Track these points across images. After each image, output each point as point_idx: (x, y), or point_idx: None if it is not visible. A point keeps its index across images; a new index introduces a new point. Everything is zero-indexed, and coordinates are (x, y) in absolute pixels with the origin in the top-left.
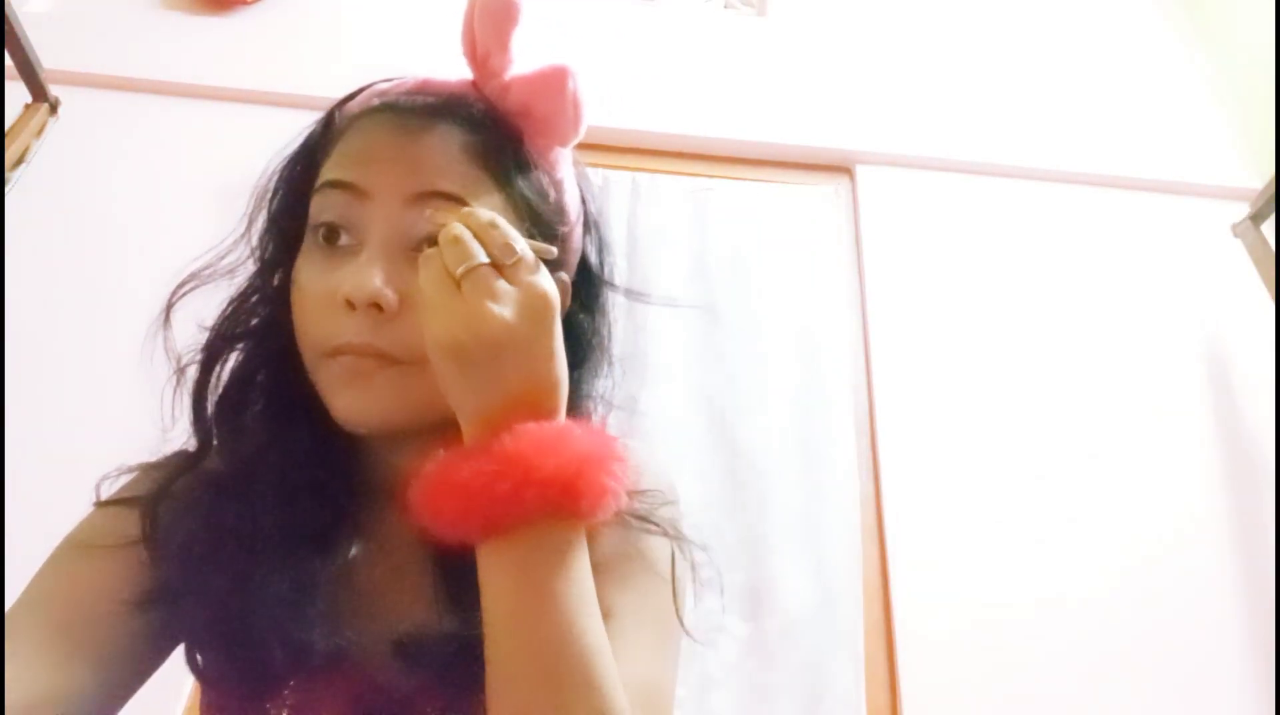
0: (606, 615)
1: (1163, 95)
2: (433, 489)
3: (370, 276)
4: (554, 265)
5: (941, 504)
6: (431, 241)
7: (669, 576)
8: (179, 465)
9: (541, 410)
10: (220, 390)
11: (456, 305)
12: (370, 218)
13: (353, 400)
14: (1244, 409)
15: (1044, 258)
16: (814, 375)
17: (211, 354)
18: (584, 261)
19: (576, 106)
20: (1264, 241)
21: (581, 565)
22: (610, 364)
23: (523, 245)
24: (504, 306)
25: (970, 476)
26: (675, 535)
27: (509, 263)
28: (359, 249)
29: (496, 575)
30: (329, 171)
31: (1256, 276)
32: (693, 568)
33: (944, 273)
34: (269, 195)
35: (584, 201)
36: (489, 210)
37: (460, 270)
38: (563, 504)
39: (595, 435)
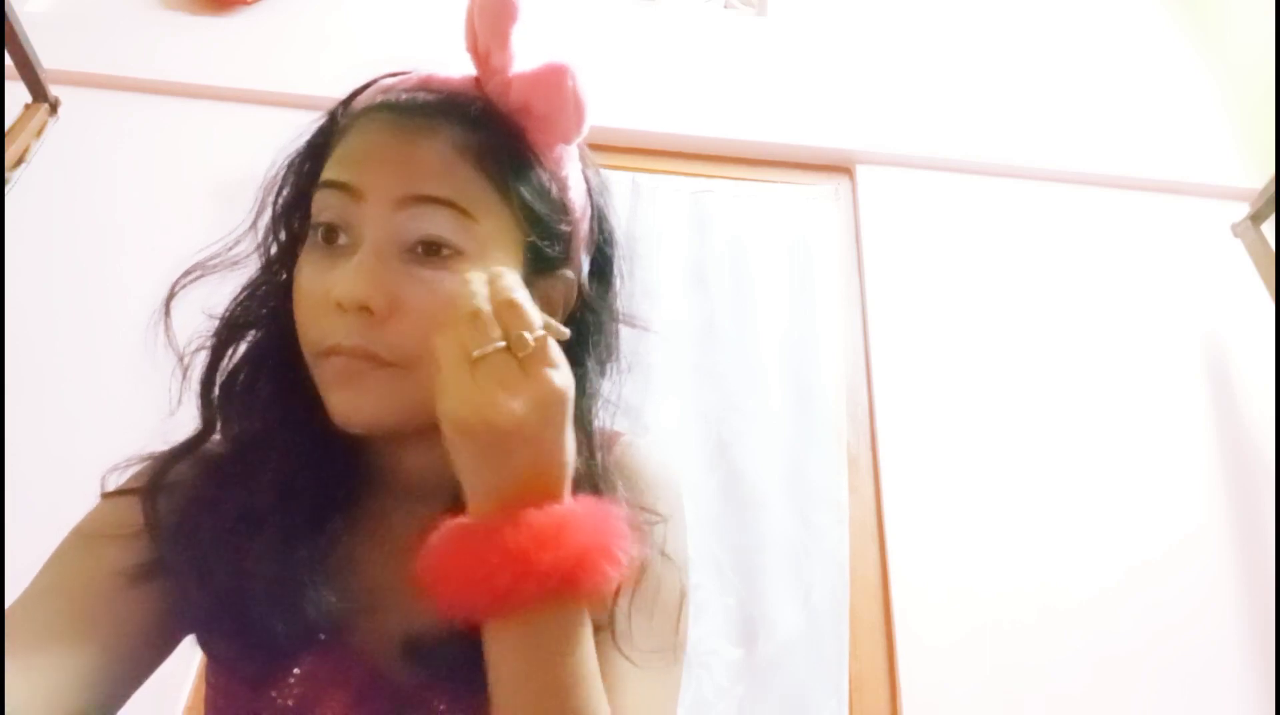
0: (610, 675)
1: (1163, 95)
2: (437, 570)
3: (360, 280)
4: (559, 262)
5: (941, 504)
6: (426, 246)
7: (673, 606)
8: (178, 451)
9: (545, 493)
10: (228, 376)
11: (469, 387)
12: (364, 218)
13: (345, 400)
14: (1244, 409)
15: (1044, 258)
16: (812, 378)
17: (222, 341)
18: (591, 258)
19: (577, 104)
20: (1264, 241)
21: (584, 641)
22: (616, 361)
23: (539, 333)
24: (515, 397)
25: (970, 476)
26: (665, 556)
27: (522, 354)
28: (355, 249)
29: (501, 654)
30: (328, 171)
31: (1256, 276)
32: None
33: (944, 273)
34: (276, 189)
35: (590, 197)
36: (512, 275)
37: (475, 354)
38: (563, 592)
39: (597, 517)
